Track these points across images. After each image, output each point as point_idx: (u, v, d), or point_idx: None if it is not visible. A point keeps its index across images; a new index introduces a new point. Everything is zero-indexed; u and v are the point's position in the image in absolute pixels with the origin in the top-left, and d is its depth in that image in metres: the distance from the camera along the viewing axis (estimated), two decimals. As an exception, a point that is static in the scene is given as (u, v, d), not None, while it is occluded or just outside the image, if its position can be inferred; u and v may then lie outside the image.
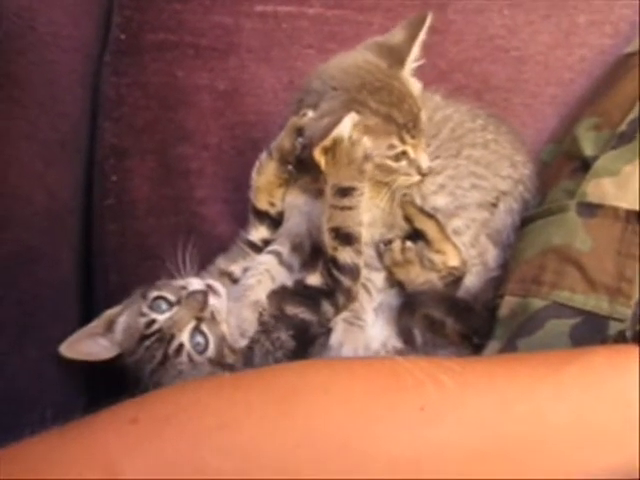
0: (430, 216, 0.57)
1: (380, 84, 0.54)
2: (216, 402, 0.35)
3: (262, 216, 0.59)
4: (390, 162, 0.54)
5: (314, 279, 0.54)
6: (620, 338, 0.42)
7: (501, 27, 0.69)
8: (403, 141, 0.54)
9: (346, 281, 0.53)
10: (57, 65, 0.64)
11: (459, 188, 0.57)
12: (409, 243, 0.56)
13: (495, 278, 0.55)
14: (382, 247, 0.57)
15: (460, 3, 0.70)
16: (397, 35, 0.58)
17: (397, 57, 0.56)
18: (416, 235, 0.57)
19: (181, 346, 0.53)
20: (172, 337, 0.53)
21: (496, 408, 0.35)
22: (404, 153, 0.55)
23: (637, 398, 0.35)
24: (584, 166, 0.53)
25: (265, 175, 0.58)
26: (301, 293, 0.54)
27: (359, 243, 0.53)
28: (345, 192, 0.52)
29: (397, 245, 0.56)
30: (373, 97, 0.54)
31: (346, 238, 0.52)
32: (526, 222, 0.56)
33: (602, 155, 0.52)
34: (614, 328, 0.45)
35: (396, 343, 0.55)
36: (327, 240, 0.52)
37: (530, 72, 0.68)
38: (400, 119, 0.54)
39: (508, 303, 0.51)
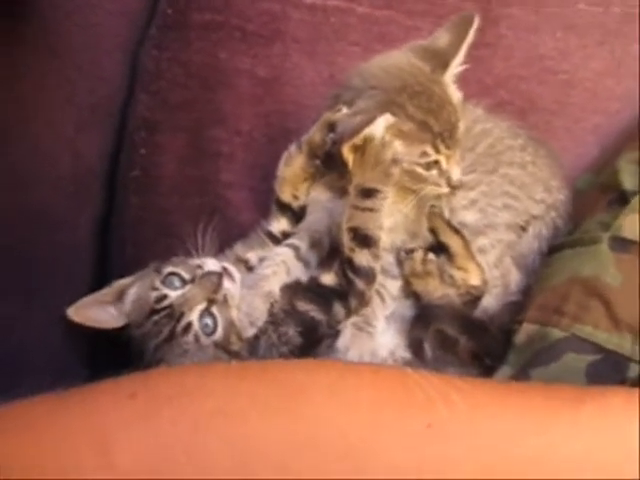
0: (457, 231, 0.55)
1: (420, 88, 0.53)
2: (221, 389, 0.35)
3: (284, 208, 0.58)
4: (420, 170, 0.53)
5: (329, 278, 0.53)
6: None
7: (553, 49, 0.68)
8: (437, 150, 0.53)
9: (360, 284, 0.52)
10: (100, 28, 0.63)
11: (490, 206, 0.56)
12: (431, 255, 0.55)
13: (514, 303, 0.54)
14: (403, 255, 0.56)
15: (513, 19, 0.69)
16: (442, 38, 0.56)
17: (441, 61, 0.55)
18: (439, 248, 0.56)
19: (189, 325, 0.52)
20: (182, 315, 0.52)
21: (507, 436, 0.34)
22: (436, 162, 0.53)
23: None
24: (622, 199, 0.52)
25: (292, 167, 0.57)
26: (314, 291, 0.53)
27: (377, 247, 0.52)
28: (368, 193, 0.51)
29: (419, 255, 0.54)
30: (412, 101, 0.53)
31: (364, 240, 0.51)
32: (555, 250, 0.54)
33: (642, 191, 0.51)
34: (634, 371, 0.44)
35: (404, 354, 0.54)
36: (345, 240, 0.52)
37: (577, 97, 0.67)
38: (436, 127, 0.52)
39: (526, 330, 0.49)
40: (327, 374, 0.37)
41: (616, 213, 0.50)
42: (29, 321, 0.57)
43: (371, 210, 0.51)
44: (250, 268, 0.57)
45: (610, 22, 0.67)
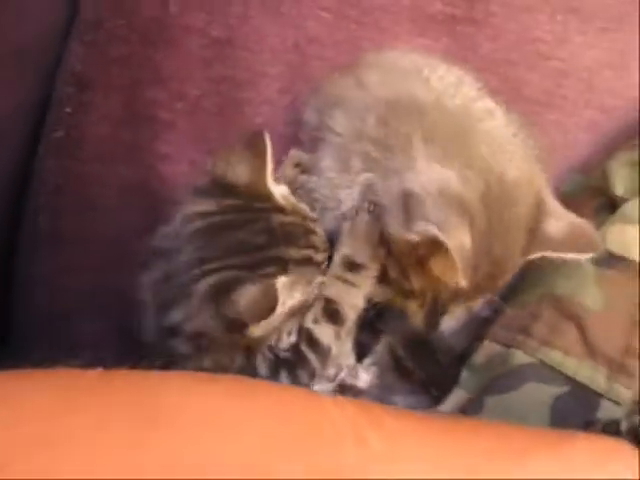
0: None
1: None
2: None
3: None
4: None
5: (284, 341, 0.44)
6: (611, 427, 0.33)
7: (548, 32, 0.60)
8: None
9: (314, 361, 0.43)
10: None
11: None
12: None
13: (479, 319, 0.45)
14: None
15: (508, -5, 0.61)
16: None
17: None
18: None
19: None
20: None
21: None
22: None
23: None
24: (611, 206, 0.45)
25: None
26: None
27: (343, 327, 0.44)
28: (353, 267, 0.43)
29: None
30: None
31: (333, 315, 0.44)
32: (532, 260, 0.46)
33: (633, 198, 0.44)
34: (606, 410, 0.36)
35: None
36: (314, 308, 0.44)
37: (570, 89, 0.59)
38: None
39: (487, 349, 0.42)
40: (227, 393, 0.30)
41: (602, 221, 0.43)
42: None
43: (352, 285, 0.43)
44: None
45: (615, 9, 0.60)
